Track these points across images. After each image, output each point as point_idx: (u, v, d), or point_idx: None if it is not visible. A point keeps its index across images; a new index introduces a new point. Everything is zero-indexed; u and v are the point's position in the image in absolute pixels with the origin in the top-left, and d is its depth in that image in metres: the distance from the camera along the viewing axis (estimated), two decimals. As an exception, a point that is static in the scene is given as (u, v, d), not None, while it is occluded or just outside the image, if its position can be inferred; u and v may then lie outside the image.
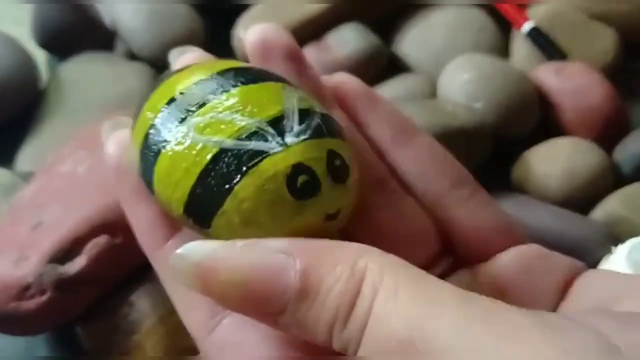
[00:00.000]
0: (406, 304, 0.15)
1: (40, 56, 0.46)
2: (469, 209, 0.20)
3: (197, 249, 0.16)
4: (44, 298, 0.31)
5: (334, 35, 0.44)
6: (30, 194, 0.34)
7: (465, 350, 0.14)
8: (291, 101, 0.17)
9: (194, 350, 0.33)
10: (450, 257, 0.21)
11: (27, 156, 0.41)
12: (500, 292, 0.20)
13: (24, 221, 0.33)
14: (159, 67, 0.45)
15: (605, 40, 0.44)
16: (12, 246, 0.32)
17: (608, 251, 0.34)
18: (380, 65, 0.44)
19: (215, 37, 0.46)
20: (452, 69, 0.41)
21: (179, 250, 0.16)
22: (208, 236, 0.17)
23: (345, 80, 0.21)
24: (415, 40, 0.45)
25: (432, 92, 0.42)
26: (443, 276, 0.20)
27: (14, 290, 0.31)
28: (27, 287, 0.31)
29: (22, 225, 0.33)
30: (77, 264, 0.31)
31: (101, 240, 0.32)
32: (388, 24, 0.46)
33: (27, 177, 0.37)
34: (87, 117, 0.41)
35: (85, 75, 0.45)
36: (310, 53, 0.43)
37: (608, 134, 0.40)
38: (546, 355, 0.13)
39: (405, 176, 0.21)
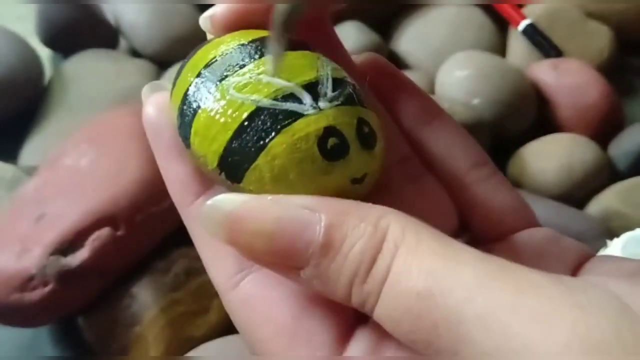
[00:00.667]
0: (427, 259, 0.15)
1: (44, 53, 0.47)
2: (487, 189, 0.21)
3: (228, 200, 0.17)
4: (46, 290, 0.31)
5: (334, 33, 0.44)
6: (34, 188, 0.35)
7: (483, 302, 0.14)
8: (326, 69, 0.18)
9: (196, 341, 0.33)
10: (466, 235, 0.21)
11: (31, 151, 0.42)
12: None
13: (27, 214, 0.33)
14: (161, 64, 0.46)
15: (601, 38, 0.44)
16: (16, 238, 0.32)
17: (603, 245, 0.34)
18: (379, 63, 0.44)
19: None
20: (449, 66, 0.42)
21: (209, 201, 0.17)
22: (238, 191, 0.18)
23: (373, 57, 0.22)
24: (414, 38, 0.46)
25: (430, 89, 0.42)
26: None
27: (17, 282, 0.31)
28: (30, 279, 0.31)
29: (26, 218, 0.33)
30: (79, 256, 0.32)
31: (103, 232, 0.32)
32: (387, 22, 0.47)
33: (30, 171, 0.38)
34: (90, 113, 0.41)
35: (89, 72, 0.45)
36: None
37: (603, 130, 0.41)
38: (561, 308, 0.14)
39: (428, 154, 0.21)
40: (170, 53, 0.46)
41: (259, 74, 0.17)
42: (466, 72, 0.40)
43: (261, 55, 0.18)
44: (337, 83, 0.18)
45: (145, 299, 0.33)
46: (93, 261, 0.32)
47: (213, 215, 0.17)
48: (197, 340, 0.33)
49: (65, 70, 0.45)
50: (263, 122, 0.17)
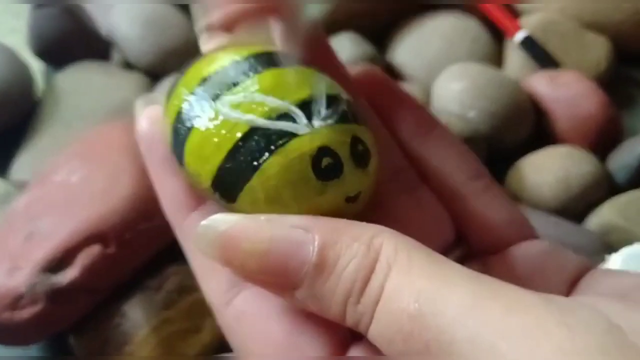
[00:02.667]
0: (418, 280, 0.15)
1: (36, 66, 0.46)
2: (484, 202, 0.21)
3: (222, 220, 0.17)
4: (36, 308, 0.31)
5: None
6: (24, 204, 0.34)
7: (473, 323, 0.14)
8: (320, 86, 0.18)
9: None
10: (463, 247, 0.21)
11: (22, 165, 0.41)
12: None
13: (17, 231, 0.33)
14: (155, 76, 0.46)
15: (598, 49, 0.44)
16: (5, 256, 0.32)
17: (602, 260, 0.34)
18: (375, 75, 0.44)
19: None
20: (445, 78, 0.41)
21: (204, 221, 0.17)
22: (232, 210, 0.18)
23: (371, 71, 0.22)
24: (409, 50, 0.45)
25: (426, 101, 0.42)
26: None
27: (7, 300, 0.31)
28: (20, 297, 0.31)
29: (16, 235, 0.33)
30: (69, 274, 0.31)
31: (94, 250, 0.32)
32: (383, 33, 0.47)
33: (22, 186, 0.37)
34: (82, 126, 0.41)
35: (81, 85, 0.45)
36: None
37: (601, 143, 0.41)
38: (549, 327, 0.14)
39: (423, 166, 0.21)
40: (164, 65, 0.45)
41: (253, 92, 0.17)
42: (462, 84, 0.40)
43: (255, 73, 0.18)
44: (332, 100, 0.18)
45: (136, 317, 0.32)
46: (83, 279, 0.31)
47: (207, 235, 0.17)
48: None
49: (57, 83, 0.45)
50: (257, 143, 0.17)
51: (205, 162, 0.17)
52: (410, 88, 0.43)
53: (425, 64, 0.44)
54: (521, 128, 0.41)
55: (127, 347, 0.32)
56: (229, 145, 0.17)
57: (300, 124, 0.17)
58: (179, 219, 0.20)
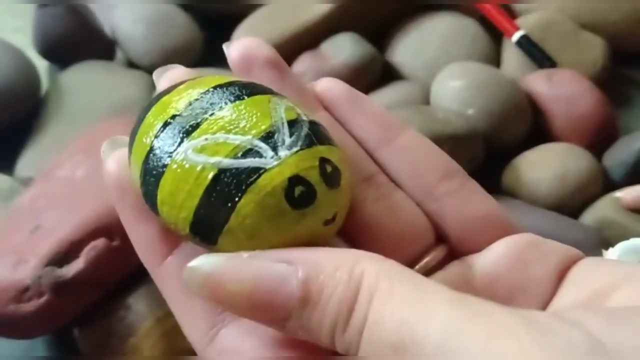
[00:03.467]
0: (399, 308, 0.15)
1: (40, 64, 0.47)
2: (459, 200, 0.21)
3: (205, 262, 0.17)
4: (42, 301, 0.31)
5: (330, 44, 0.44)
6: (29, 199, 0.35)
7: (454, 350, 0.14)
8: (279, 113, 0.18)
9: (192, 352, 0.33)
10: (443, 249, 0.21)
11: (27, 162, 0.42)
12: (493, 283, 0.20)
13: (22, 225, 0.33)
14: (157, 75, 0.46)
15: (595, 49, 0.45)
16: (11, 250, 0.32)
17: (599, 255, 0.34)
18: (375, 73, 0.45)
19: (213, 46, 0.47)
20: (444, 76, 0.42)
21: (190, 264, 0.17)
22: (215, 250, 0.18)
23: (329, 84, 0.22)
24: (409, 49, 0.46)
25: (425, 100, 0.43)
26: (437, 268, 0.21)
27: (13, 293, 0.31)
28: (25, 290, 0.31)
29: (21, 229, 0.33)
30: (74, 267, 0.32)
31: (99, 243, 0.32)
32: (382, 33, 0.47)
33: (27, 182, 0.38)
34: (86, 125, 0.41)
35: (85, 83, 0.45)
36: (306, 62, 0.43)
37: (598, 140, 0.41)
38: (531, 352, 0.14)
39: (393, 173, 0.21)
40: (167, 64, 0.45)
41: (214, 132, 0.17)
42: (461, 83, 0.41)
43: (213, 112, 0.18)
44: (293, 125, 0.18)
45: (140, 309, 0.33)
46: (88, 272, 0.32)
47: (193, 279, 0.17)
48: (193, 352, 0.32)
49: (62, 82, 0.45)
50: (227, 185, 0.17)
51: (180, 210, 0.17)
52: (409, 86, 0.44)
53: (425, 63, 0.45)
54: (519, 126, 0.41)
55: (132, 339, 0.32)
56: (200, 192, 0.17)
57: (267, 157, 0.17)
58: (154, 265, 0.20)
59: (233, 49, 0.21)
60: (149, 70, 0.46)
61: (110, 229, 0.32)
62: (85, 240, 0.32)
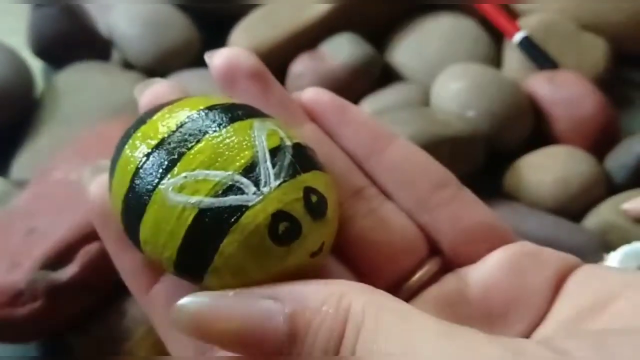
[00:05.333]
0: (385, 345, 0.15)
1: (35, 65, 0.46)
2: (452, 211, 0.20)
3: (191, 302, 0.17)
4: (36, 305, 0.31)
5: (329, 45, 0.44)
6: (24, 202, 0.34)
7: None
8: (261, 141, 0.17)
9: None
10: (437, 261, 0.20)
11: (22, 164, 0.41)
12: (489, 296, 0.19)
13: (17, 228, 0.33)
14: (154, 76, 0.45)
15: (596, 50, 0.44)
16: (5, 253, 0.32)
17: (601, 259, 0.34)
18: (374, 75, 0.44)
19: (210, 46, 0.46)
20: (445, 78, 0.41)
21: (177, 303, 0.17)
22: (202, 286, 0.17)
23: (315, 94, 0.21)
24: (409, 50, 0.45)
25: (425, 101, 0.42)
26: (431, 281, 0.20)
27: (6, 297, 0.31)
28: (19, 294, 0.31)
29: (15, 232, 0.33)
30: (69, 271, 0.31)
31: (93, 247, 0.32)
32: (382, 33, 0.47)
33: (21, 185, 0.37)
34: (82, 126, 0.41)
35: (81, 85, 0.45)
36: (305, 62, 0.43)
37: (600, 143, 0.41)
38: None
39: (384, 184, 0.20)
40: (163, 65, 0.45)
41: (193, 169, 0.16)
42: (461, 84, 0.40)
43: (191, 146, 0.17)
44: (276, 154, 0.17)
45: (136, 314, 0.32)
46: (83, 276, 0.31)
47: (180, 318, 0.17)
48: None
49: (57, 83, 0.45)
50: (209, 225, 0.16)
51: (163, 250, 0.17)
52: (409, 88, 0.44)
53: (425, 64, 0.44)
54: (520, 128, 0.41)
55: (127, 343, 0.32)
56: (181, 232, 0.16)
57: (249, 194, 0.16)
58: (141, 293, 0.20)
59: (216, 60, 0.20)
60: (146, 71, 0.46)
61: (105, 233, 0.32)
62: (79, 244, 0.32)
